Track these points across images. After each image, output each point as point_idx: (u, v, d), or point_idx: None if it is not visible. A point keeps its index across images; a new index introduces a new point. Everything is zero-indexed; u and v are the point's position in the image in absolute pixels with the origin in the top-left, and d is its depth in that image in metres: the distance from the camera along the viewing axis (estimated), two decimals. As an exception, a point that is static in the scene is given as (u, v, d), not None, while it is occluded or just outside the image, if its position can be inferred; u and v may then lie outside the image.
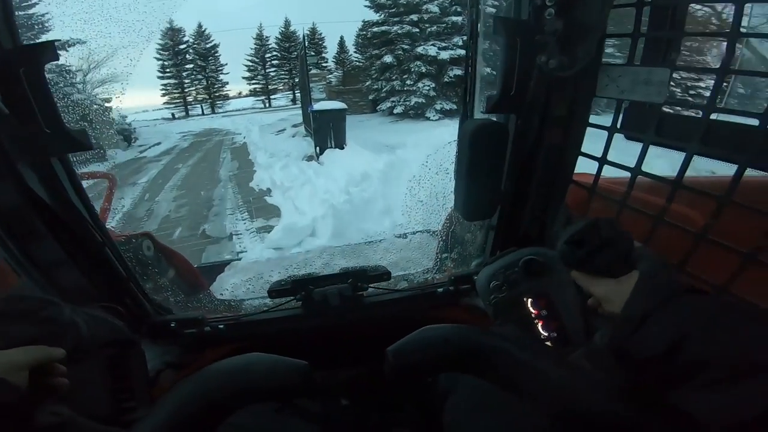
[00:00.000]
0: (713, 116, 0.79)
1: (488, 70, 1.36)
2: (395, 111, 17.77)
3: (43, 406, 0.64)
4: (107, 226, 1.15)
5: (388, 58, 18.00)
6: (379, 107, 18.78)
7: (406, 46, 17.71)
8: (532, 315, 1.07)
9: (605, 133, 0.99)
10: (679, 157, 0.83)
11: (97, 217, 1.04)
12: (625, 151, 0.97)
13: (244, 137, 15.36)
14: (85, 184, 1.03)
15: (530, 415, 0.71)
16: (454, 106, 16.49)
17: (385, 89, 18.37)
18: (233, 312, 1.39)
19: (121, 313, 1.04)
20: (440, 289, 1.31)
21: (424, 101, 17.11)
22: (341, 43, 21.66)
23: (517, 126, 1.10)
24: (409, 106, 17.36)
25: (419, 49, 17.37)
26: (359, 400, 1.22)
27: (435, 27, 17.73)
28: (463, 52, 15.29)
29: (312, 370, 0.67)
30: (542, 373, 0.66)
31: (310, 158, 10.03)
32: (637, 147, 0.92)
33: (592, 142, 1.05)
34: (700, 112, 0.79)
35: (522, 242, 1.19)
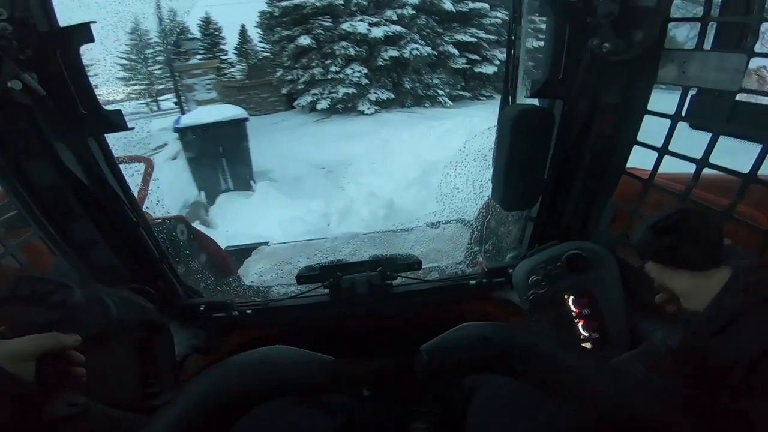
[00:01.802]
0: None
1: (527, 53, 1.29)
2: (319, 106, 13.81)
3: (57, 397, 0.61)
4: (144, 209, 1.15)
5: (304, 40, 13.83)
6: (297, 103, 14.61)
7: (327, 24, 13.77)
8: (573, 313, 1.02)
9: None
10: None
11: (133, 197, 1.05)
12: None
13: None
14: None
15: (561, 418, 0.68)
16: (392, 95, 13.73)
17: (303, 79, 14.26)
18: (261, 297, 1.39)
19: (152, 295, 1.05)
20: (473, 282, 1.26)
21: (354, 91, 13.56)
22: (242, 32, 17.02)
23: (564, 112, 1.03)
24: (336, 98, 13.64)
25: (344, 27, 13.52)
26: (382, 392, 1.20)
27: None
28: (398, 28, 12.67)
29: (337, 363, 0.65)
30: (584, 375, 0.62)
31: (194, 211, 5.52)
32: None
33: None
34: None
35: (563, 236, 1.13)
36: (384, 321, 1.29)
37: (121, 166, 1.02)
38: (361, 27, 13.36)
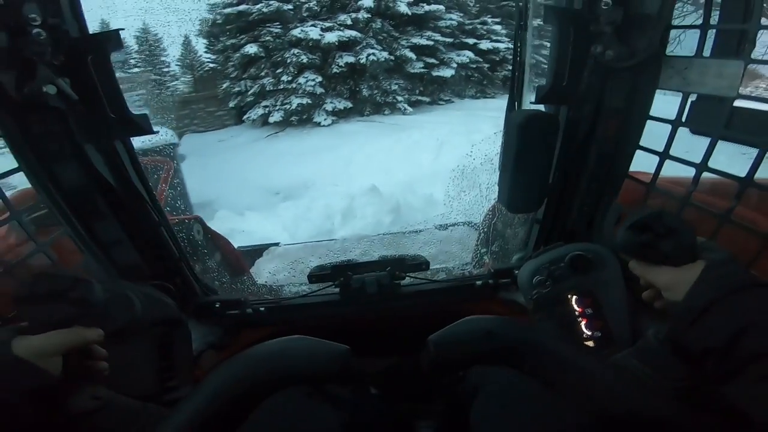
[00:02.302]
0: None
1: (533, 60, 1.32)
2: (271, 119, 12.80)
3: (82, 391, 0.63)
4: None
5: (250, 49, 12.86)
6: (247, 116, 13.45)
7: (276, 30, 12.82)
8: (576, 313, 1.05)
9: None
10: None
11: (155, 198, 1.10)
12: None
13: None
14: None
15: (563, 413, 0.70)
16: (349, 104, 13.00)
17: (252, 91, 13.20)
18: (274, 295, 1.43)
19: (172, 291, 1.10)
20: (479, 282, 1.29)
21: (309, 101, 12.62)
22: (186, 42, 15.18)
23: (569, 117, 1.06)
24: (290, 110, 12.62)
25: (295, 33, 12.62)
26: (389, 389, 1.23)
27: (314, 2, 13.01)
28: (353, 33, 12.06)
29: (352, 356, 0.68)
30: (586, 371, 0.64)
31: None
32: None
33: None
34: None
35: (568, 238, 1.16)
36: (392, 320, 1.32)
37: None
38: (314, 32, 12.60)
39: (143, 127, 0.96)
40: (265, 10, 12.69)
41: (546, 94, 1.04)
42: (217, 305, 1.25)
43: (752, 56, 0.78)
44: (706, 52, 0.86)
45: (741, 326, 0.54)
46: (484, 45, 14.75)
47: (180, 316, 1.05)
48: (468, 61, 14.33)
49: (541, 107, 1.11)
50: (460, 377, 1.00)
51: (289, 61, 12.80)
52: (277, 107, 12.88)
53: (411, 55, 13.46)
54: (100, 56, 0.90)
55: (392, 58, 13.32)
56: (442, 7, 13.77)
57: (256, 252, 3.29)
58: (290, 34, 12.78)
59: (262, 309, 1.29)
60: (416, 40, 13.51)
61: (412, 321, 1.33)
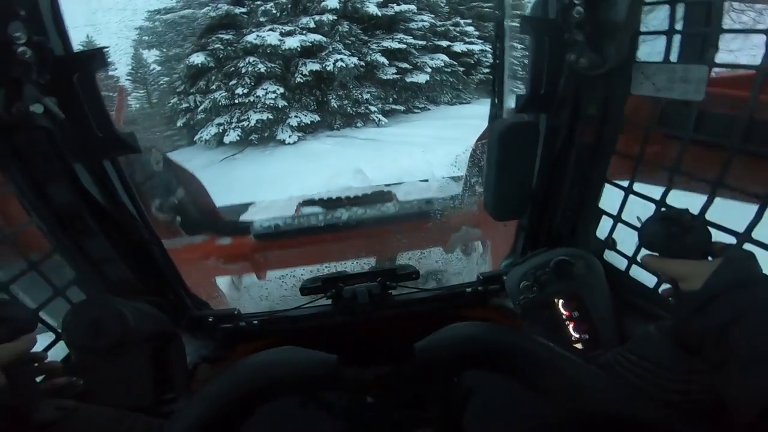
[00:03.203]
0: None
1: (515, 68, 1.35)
2: (227, 139, 11.16)
3: (46, 403, 0.65)
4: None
5: (197, 58, 11.10)
6: (198, 137, 11.58)
7: (228, 36, 11.28)
8: (563, 316, 1.06)
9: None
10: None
11: (145, 215, 1.11)
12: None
13: None
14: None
15: (549, 415, 0.71)
16: (317, 117, 11.57)
17: (203, 107, 11.42)
18: (267, 308, 1.44)
19: (164, 306, 1.11)
20: (468, 289, 1.31)
21: (270, 116, 11.13)
22: (136, 55, 12.88)
23: (549, 125, 1.09)
24: (248, 127, 11.07)
25: (250, 38, 11.09)
26: (384, 397, 1.24)
27: (271, 4, 11.48)
28: (317, 37, 10.91)
29: (340, 364, 0.69)
30: (564, 373, 0.67)
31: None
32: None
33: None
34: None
35: (553, 242, 1.18)
36: (385, 328, 1.33)
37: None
38: (272, 38, 10.99)
39: (131, 145, 0.98)
40: (213, 14, 11.15)
41: (525, 103, 1.07)
42: (210, 319, 1.26)
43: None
44: (675, 58, 0.89)
45: (733, 317, 0.56)
46: (458, 47, 13.82)
47: (173, 330, 1.06)
48: (443, 64, 13.29)
49: (523, 115, 1.14)
50: (453, 383, 1.02)
51: (244, 71, 11.18)
52: (233, 125, 11.23)
53: (383, 60, 12.35)
54: (85, 74, 0.91)
55: (362, 63, 12.15)
56: (413, 7, 12.82)
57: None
58: (245, 40, 11.19)
59: (255, 322, 1.30)
60: (387, 43, 12.46)
61: (405, 329, 1.33)
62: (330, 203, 3.51)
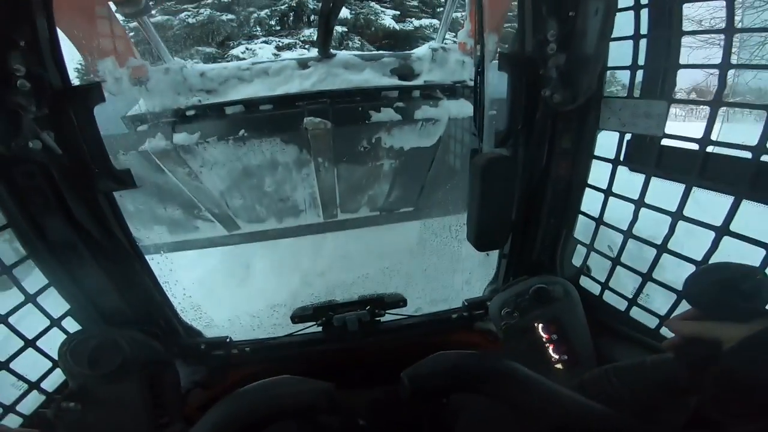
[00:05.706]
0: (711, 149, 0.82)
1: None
2: None
3: None
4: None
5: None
6: None
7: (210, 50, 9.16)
8: (543, 339, 1.10)
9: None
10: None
11: (137, 247, 1.14)
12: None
13: None
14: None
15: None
16: None
17: None
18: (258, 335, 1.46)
19: (157, 335, 1.13)
20: (454, 315, 1.35)
21: None
22: None
23: (526, 158, 1.15)
24: None
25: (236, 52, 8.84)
26: (376, 420, 1.25)
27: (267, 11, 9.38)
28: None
29: (335, 391, 0.72)
30: (544, 394, 0.70)
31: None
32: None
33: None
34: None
35: (534, 270, 1.23)
36: (374, 355, 1.35)
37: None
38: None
39: (126, 181, 1.00)
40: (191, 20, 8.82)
41: (504, 138, 1.13)
42: (202, 346, 1.28)
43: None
44: (637, 93, 0.95)
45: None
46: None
47: (167, 357, 1.09)
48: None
49: (503, 149, 1.20)
50: (443, 403, 1.05)
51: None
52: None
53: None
54: (82, 109, 0.92)
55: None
56: (436, 21, 9.68)
57: None
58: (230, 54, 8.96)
59: (247, 349, 1.31)
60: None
61: (394, 355, 1.36)
62: None
